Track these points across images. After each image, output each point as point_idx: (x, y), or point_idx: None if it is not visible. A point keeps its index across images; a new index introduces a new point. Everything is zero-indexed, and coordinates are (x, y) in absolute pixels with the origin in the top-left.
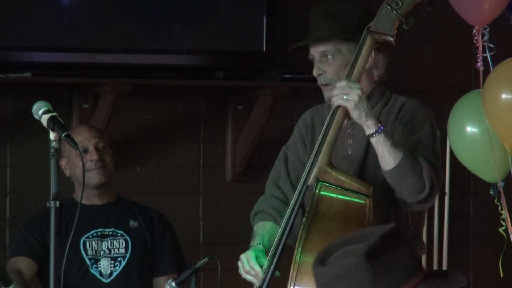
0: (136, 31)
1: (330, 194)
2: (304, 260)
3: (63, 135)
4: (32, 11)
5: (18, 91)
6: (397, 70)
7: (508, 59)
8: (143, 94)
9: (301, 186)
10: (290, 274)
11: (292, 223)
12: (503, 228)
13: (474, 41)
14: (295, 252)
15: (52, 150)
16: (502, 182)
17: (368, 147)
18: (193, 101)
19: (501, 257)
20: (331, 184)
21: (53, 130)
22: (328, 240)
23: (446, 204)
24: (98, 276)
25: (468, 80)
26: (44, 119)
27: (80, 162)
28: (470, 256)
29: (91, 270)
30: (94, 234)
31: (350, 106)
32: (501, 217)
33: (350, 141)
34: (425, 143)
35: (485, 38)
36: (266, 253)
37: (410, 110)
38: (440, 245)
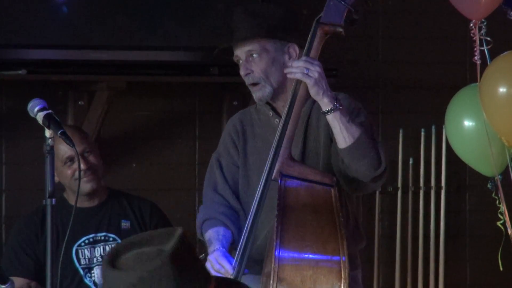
0: (130, 28)
1: (296, 187)
2: (283, 254)
3: (59, 132)
4: (27, 8)
5: (13, 88)
6: (394, 66)
7: (506, 52)
8: (138, 91)
9: (264, 181)
10: (272, 266)
11: (257, 218)
12: (501, 221)
13: (471, 34)
14: (274, 245)
15: (47, 147)
16: (499, 176)
17: (305, 144)
18: (188, 98)
19: (500, 250)
20: (295, 177)
21: (48, 128)
22: (304, 231)
23: (443, 198)
24: (93, 286)
25: (464, 74)
26: (40, 117)
27: (68, 170)
28: (467, 250)
29: (85, 280)
30: (86, 241)
31: (310, 82)
32: (499, 211)
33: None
34: (367, 127)
35: (482, 31)
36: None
37: (343, 100)
38: (436, 240)
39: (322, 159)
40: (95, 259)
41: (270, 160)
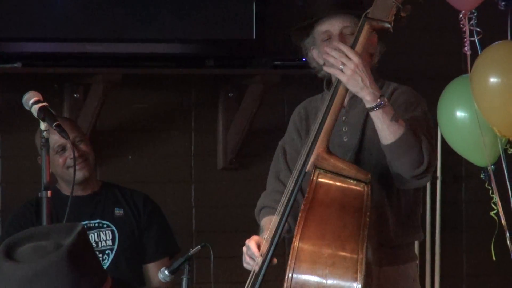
0: (126, 20)
1: (328, 181)
2: (303, 248)
3: (53, 125)
4: (22, 1)
5: (8, 81)
6: (385, 57)
7: (496, 43)
8: (134, 83)
9: (298, 172)
10: (289, 261)
11: (290, 210)
12: (495, 211)
13: (461, 25)
14: (294, 239)
15: (43, 140)
16: (492, 166)
17: (363, 134)
18: (183, 90)
19: (493, 241)
20: (329, 171)
21: (43, 120)
22: (326, 228)
23: (438, 189)
24: None
25: (458, 65)
26: (35, 110)
27: (60, 159)
28: (463, 240)
29: None
30: None
31: (343, 79)
32: (492, 200)
33: (345, 129)
34: (421, 122)
35: (472, 22)
36: None
37: (403, 94)
38: (432, 231)
39: (377, 150)
40: None
41: (306, 152)
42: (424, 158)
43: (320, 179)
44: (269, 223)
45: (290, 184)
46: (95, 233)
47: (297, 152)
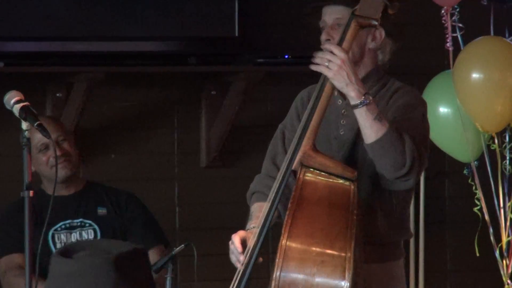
0: (108, 18)
1: (315, 179)
2: (290, 246)
3: (35, 124)
4: (3, 0)
5: None
6: None
7: (478, 38)
8: (117, 81)
9: (284, 171)
10: (276, 260)
11: (275, 209)
12: (478, 207)
13: (443, 21)
14: (282, 238)
15: (24, 140)
16: (475, 162)
17: (360, 130)
18: (166, 88)
19: (476, 236)
20: (315, 169)
21: (25, 120)
22: (315, 226)
23: (422, 185)
24: None
25: (440, 61)
26: (16, 109)
27: (43, 157)
28: (446, 236)
29: None
30: (63, 226)
31: (328, 75)
32: (476, 196)
33: (343, 122)
34: (414, 124)
35: (455, 18)
36: None
37: (404, 94)
38: (416, 227)
39: None
40: None
41: (292, 150)
42: (407, 160)
43: (306, 177)
44: (259, 211)
45: (275, 183)
46: (77, 232)
47: None
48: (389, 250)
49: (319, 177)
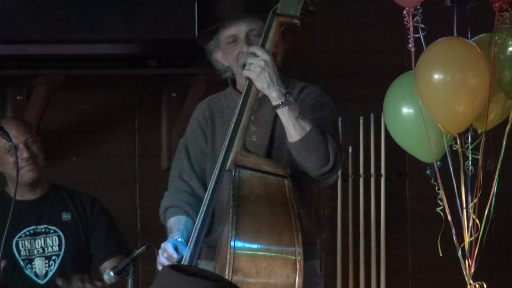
0: (68, 21)
1: (250, 177)
2: (239, 245)
3: None
4: None
5: None
6: (331, 54)
7: (440, 39)
8: (77, 84)
9: (218, 171)
10: (227, 257)
11: (212, 210)
12: (440, 208)
13: (405, 22)
14: (229, 237)
15: None
16: (438, 162)
17: (273, 134)
18: (127, 90)
19: (439, 236)
20: (249, 168)
21: None
22: (259, 222)
23: (383, 186)
24: (34, 278)
25: (401, 61)
26: None
27: (11, 158)
28: (408, 237)
29: (26, 271)
30: (27, 233)
31: (252, 76)
32: (438, 197)
33: (254, 128)
34: (328, 121)
35: (417, 18)
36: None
37: (310, 92)
38: (377, 227)
39: (288, 149)
40: (35, 251)
41: (224, 150)
42: (330, 157)
43: (242, 176)
44: (178, 223)
45: (210, 185)
46: (42, 239)
47: (201, 151)
48: (309, 249)
49: (254, 176)
